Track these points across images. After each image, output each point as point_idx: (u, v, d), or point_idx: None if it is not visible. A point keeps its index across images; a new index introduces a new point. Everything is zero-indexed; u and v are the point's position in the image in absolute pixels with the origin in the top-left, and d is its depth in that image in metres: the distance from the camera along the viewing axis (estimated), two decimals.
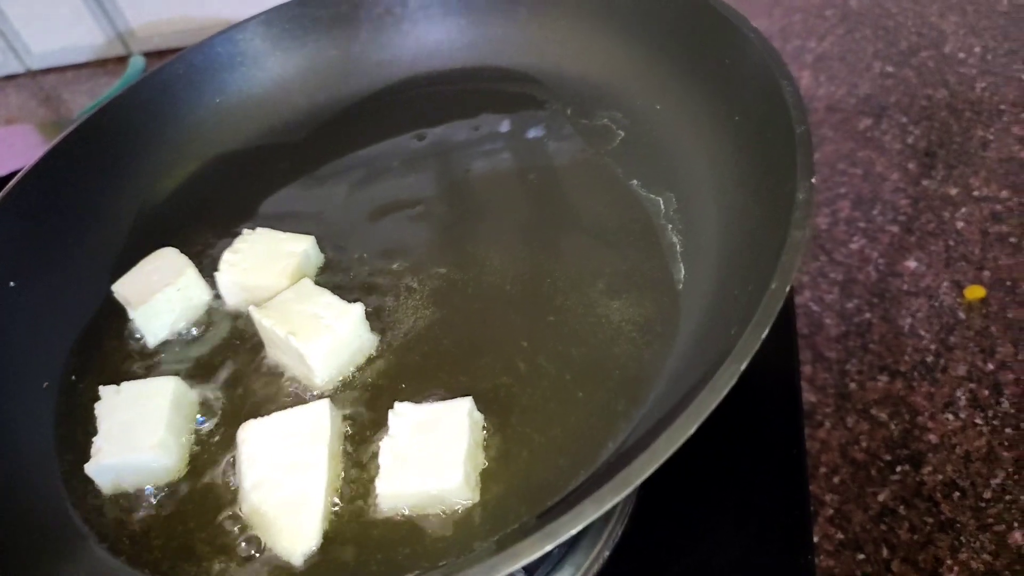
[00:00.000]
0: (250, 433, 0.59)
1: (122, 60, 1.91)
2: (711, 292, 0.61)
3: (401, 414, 0.57)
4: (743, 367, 0.45)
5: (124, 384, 0.64)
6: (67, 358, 0.71)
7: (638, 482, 0.42)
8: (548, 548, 0.41)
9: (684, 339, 0.60)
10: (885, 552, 0.81)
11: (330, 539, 0.55)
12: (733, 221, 0.63)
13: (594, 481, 0.53)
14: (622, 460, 0.47)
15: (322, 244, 0.74)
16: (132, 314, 0.71)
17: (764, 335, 0.46)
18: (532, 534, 0.42)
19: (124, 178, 0.82)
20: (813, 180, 0.54)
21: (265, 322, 0.64)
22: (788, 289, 0.48)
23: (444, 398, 0.61)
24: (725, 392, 0.44)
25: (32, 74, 1.99)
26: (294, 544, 0.54)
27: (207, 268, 0.73)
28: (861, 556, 0.81)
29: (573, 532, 0.42)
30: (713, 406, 0.44)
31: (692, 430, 0.43)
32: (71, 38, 1.89)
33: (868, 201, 1.13)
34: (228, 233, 0.77)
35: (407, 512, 0.55)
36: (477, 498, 0.55)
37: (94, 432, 0.62)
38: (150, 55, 1.86)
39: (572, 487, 0.54)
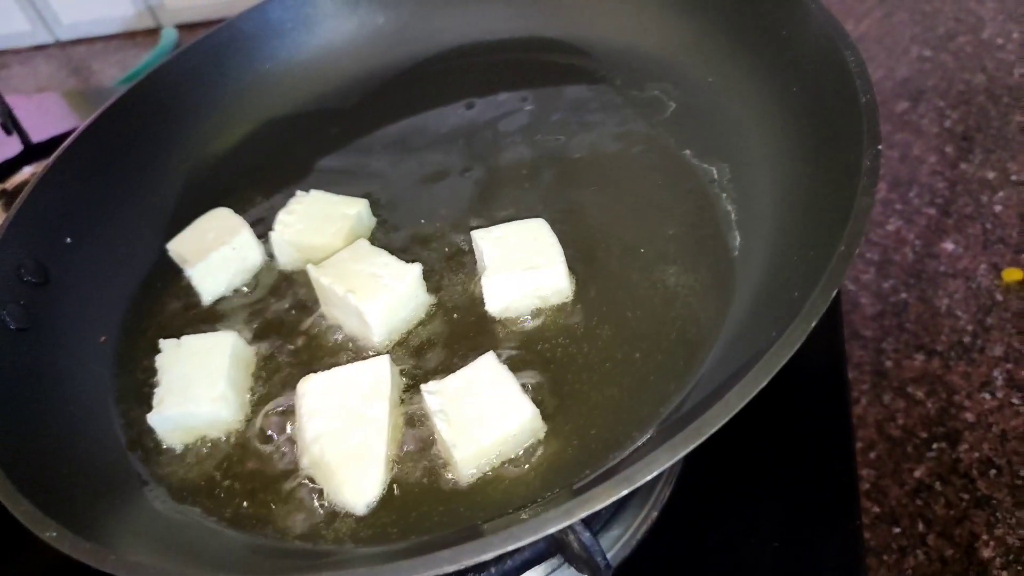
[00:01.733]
0: (310, 387, 0.60)
1: (151, 33, 1.92)
2: (767, 259, 0.61)
3: (433, 392, 0.58)
4: (813, 324, 0.46)
5: (184, 338, 0.66)
6: (124, 313, 0.73)
7: (713, 430, 0.42)
8: (623, 493, 0.42)
9: (740, 304, 0.60)
10: (921, 526, 0.82)
11: (392, 489, 0.56)
12: (790, 189, 0.63)
13: (654, 438, 0.54)
14: (688, 415, 0.48)
15: (374, 207, 0.75)
16: (188, 271, 0.72)
17: (833, 295, 0.47)
18: (606, 480, 0.42)
19: (175, 140, 0.83)
20: (879, 147, 0.54)
21: (323, 280, 0.65)
22: (855, 252, 0.49)
23: (499, 359, 0.62)
24: (796, 347, 0.45)
25: (62, 45, 2.00)
26: (357, 494, 0.55)
27: (259, 229, 0.74)
28: (897, 530, 0.82)
29: (649, 478, 0.42)
30: (785, 360, 0.44)
31: (765, 382, 0.44)
32: (101, 10, 1.90)
33: (905, 183, 1.13)
34: (280, 195, 0.78)
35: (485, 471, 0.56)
36: (546, 427, 0.57)
37: (153, 385, 0.64)
38: (180, 27, 1.87)
39: (632, 444, 0.55)
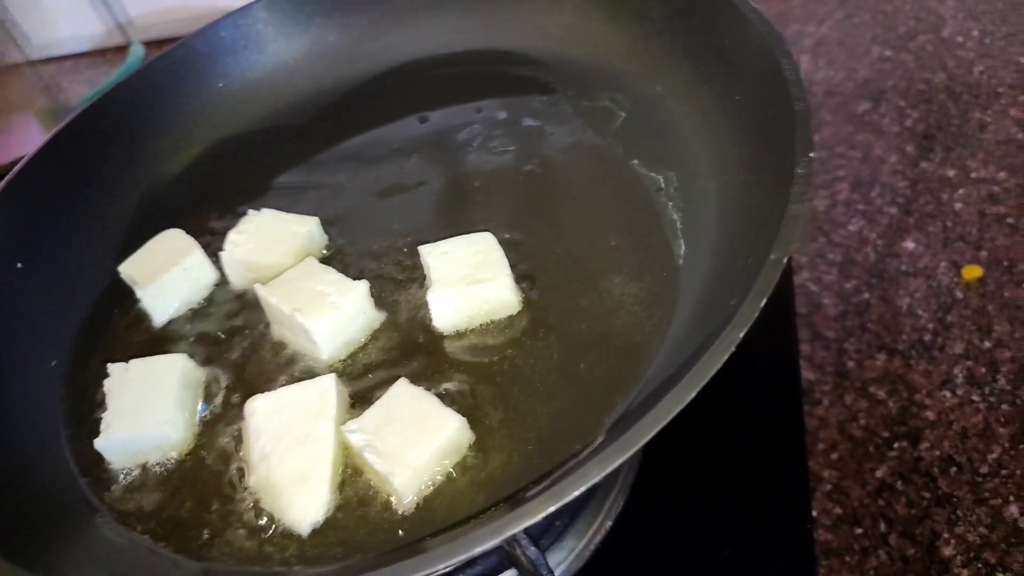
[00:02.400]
0: (257, 407, 0.60)
1: (121, 50, 1.91)
2: (711, 267, 0.62)
3: (354, 429, 0.57)
4: (743, 334, 0.46)
5: (133, 361, 0.65)
6: (75, 337, 0.72)
7: (642, 442, 0.43)
8: (552, 509, 0.42)
9: (684, 312, 0.61)
10: (883, 526, 0.82)
11: (338, 509, 0.56)
12: (733, 198, 0.64)
13: (597, 448, 0.54)
14: (625, 425, 0.48)
15: (326, 225, 0.75)
16: (139, 294, 0.72)
17: (763, 303, 0.47)
18: (539, 495, 0.43)
19: (129, 162, 0.83)
20: (812, 155, 0.54)
21: (271, 299, 0.65)
22: (786, 260, 0.49)
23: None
24: (725, 357, 0.45)
25: (32, 63, 1.99)
26: (302, 515, 0.55)
27: (212, 249, 0.74)
28: (859, 530, 0.82)
29: (578, 493, 0.42)
30: (714, 370, 0.45)
31: (694, 393, 0.44)
32: (70, 28, 1.89)
33: (867, 183, 1.14)
34: (233, 215, 0.77)
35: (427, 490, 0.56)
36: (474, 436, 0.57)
37: (103, 409, 0.63)
38: (149, 44, 1.86)
39: (574, 456, 0.55)
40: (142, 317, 0.73)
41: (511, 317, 0.64)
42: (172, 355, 0.66)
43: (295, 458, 0.57)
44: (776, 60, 0.60)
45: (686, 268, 0.64)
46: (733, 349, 0.45)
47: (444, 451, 0.55)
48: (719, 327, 0.47)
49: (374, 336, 0.66)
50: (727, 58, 0.68)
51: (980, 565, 0.78)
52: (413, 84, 0.87)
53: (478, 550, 0.43)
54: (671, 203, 0.69)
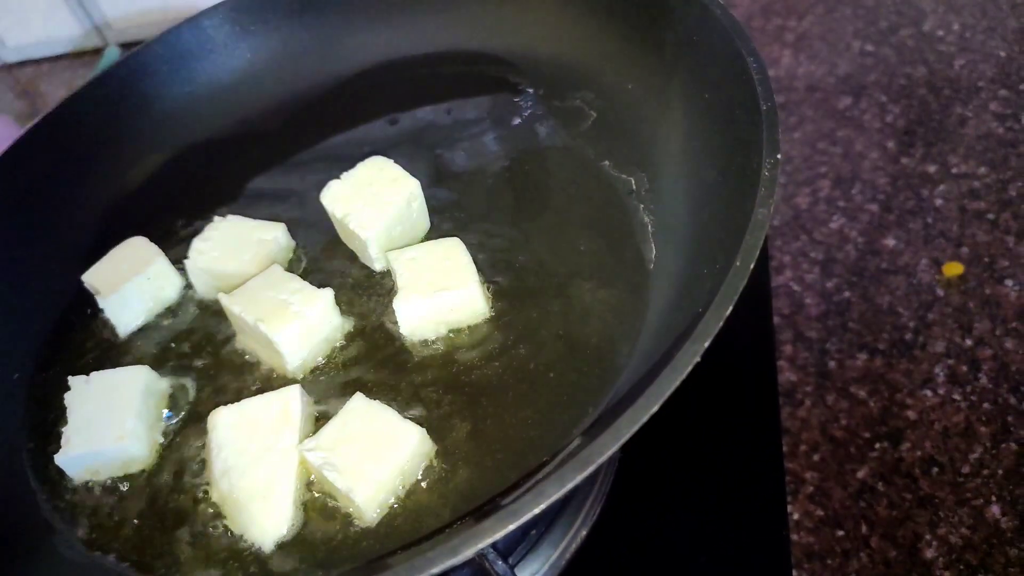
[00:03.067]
0: (220, 420, 0.59)
1: (99, 52, 1.89)
2: (681, 271, 0.60)
3: (312, 448, 0.56)
4: (705, 346, 0.44)
5: (94, 374, 0.64)
6: (38, 349, 0.71)
7: (601, 460, 0.41)
8: (510, 528, 0.41)
9: (654, 318, 0.59)
10: (864, 528, 0.81)
11: (301, 526, 0.55)
12: (702, 200, 0.62)
13: (563, 460, 0.53)
14: (587, 440, 0.47)
15: (295, 231, 0.74)
16: (102, 303, 0.70)
17: (727, 314, 0.46)
18: (494, 513, 0.41)
19: (92, 169, 0.81)
20: (778, 156, 0.53)
21: (234, 308, 0.63)
22: (752, 267, 0.48)
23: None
24: (687, 371, 0.44)
25: (8, 67, 1.97)
26: (264, 531, 0.54)
27: (178, 257, 0.73)
28: (840, 533, 0.82)
29: (536, 512, 0.41)
30: (675, 385, 0.43)
31: (654, 409, 0.43)
32: (47, 30, 1.87)
33: (848, 180, 1.13)
34: (200, 222, 0.76)
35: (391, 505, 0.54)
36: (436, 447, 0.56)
37: (65, 423, 0.62)
38: (127, 46, 1.84)
39: (544, 465, 0.54)
40: (106, 328, 0.71)
41: (479, 324, 0.63)
42: (134, 367, 0.64)
43: (257, 472, 0.56)
44: (742, 58, 0.59)
45: (657, 273, 0.62)
46: (696, 361, 0.44)
47: (406, 464, 0.54)
48: (681, 339, 0.45)
49: (341, 345, 0.65)
50: (696, 56, 0.67)
51: (962, 567, 0.77)
52: (383, 86, 0.86)
53: (443, 566, 0.41)
54: (642, 205, 0.68)
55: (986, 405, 0.88)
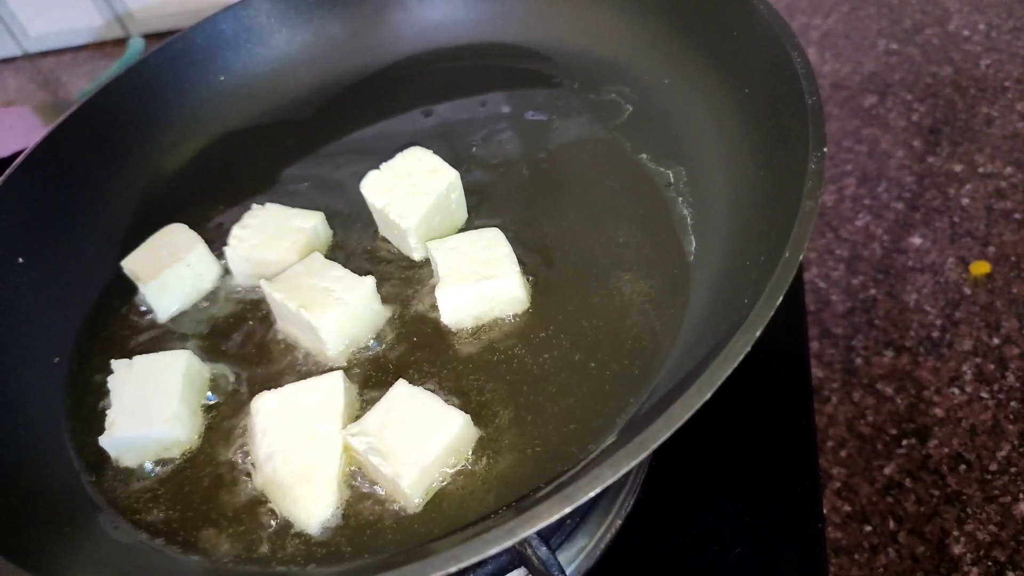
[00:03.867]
0: (263, 404, 0.59)
1: (120, 42, 1.90)
2: (722, 263, 0.61)
3: (355, 433, 0.56)
4: (757, 335, 0.45)
5: (136, 358, 0.64)
6: (78, 333, 0.71)
7: (655, 446, 0.42)
8: (566, 511, 0.41)
9: (696, 310, 0.60)
10: (892, 524, 0.82)
11: (345, 509, 0.55)
12: (743, 193, 0.63)
13: (608, 449, 0.53)
14: (637, 426, 0.48)
15: (331, 220, 0.74)
16: (142, 289, 0.71)
17: (778, 303, 0.46)
18: (550, 497, 0.42)
19: (129, 156, 0.82)
20: (824, 150, 0.54)
21: (276, 295, 0.64)
22: (800, 259, 0.48)
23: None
24: (739, 360, 0.44)
25: (30, 57, 1.98)
26: (309, 514, 0.55)
27: (216, 244, 0.73)
28: (868, 528, 0.82)
29: (591, 495, 0.42)
30: (727, 373, 0.44)
31: (707, 396, 0.43)
32: (69, 20, 1.88)
33: (873, 178, 1.13)
34: (237, 209, 0.77)
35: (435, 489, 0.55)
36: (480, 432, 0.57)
37: (106, 406, 0.63)
38: (149, 37, 1.85)
39: (586, 456, 0.54)
40: (146, 313, 0.72)
41: (520, 314, 0.64)
42: (176, 351, 0.65)
43: (301, 456, 0.57)
44: (786, 53, 0.59)
45: (697, 265, 0.63)
46: (747, 351, 0.44)
47: (450, 449, 0.54)
48: (732, 328, 0.46)
49: (381, 333, 0.65)
50: (736, 50, 0.67)
51: (990, 563, 0.78)
52: (417, 77, 0.86)
53: (490, 552, 0.42)
54: (681, 198, 0.68)
55: (1013, 403, 0.88)
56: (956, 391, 0.90)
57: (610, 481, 0.42)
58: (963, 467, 0.84)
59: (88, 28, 1.89)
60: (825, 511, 0.83)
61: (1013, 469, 0.83)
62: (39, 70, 1.92)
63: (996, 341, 0.93)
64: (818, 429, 0.89)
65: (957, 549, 0.79)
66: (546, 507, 0.42)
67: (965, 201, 1.07)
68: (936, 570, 0.78)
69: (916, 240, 1.04)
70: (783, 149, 0.59)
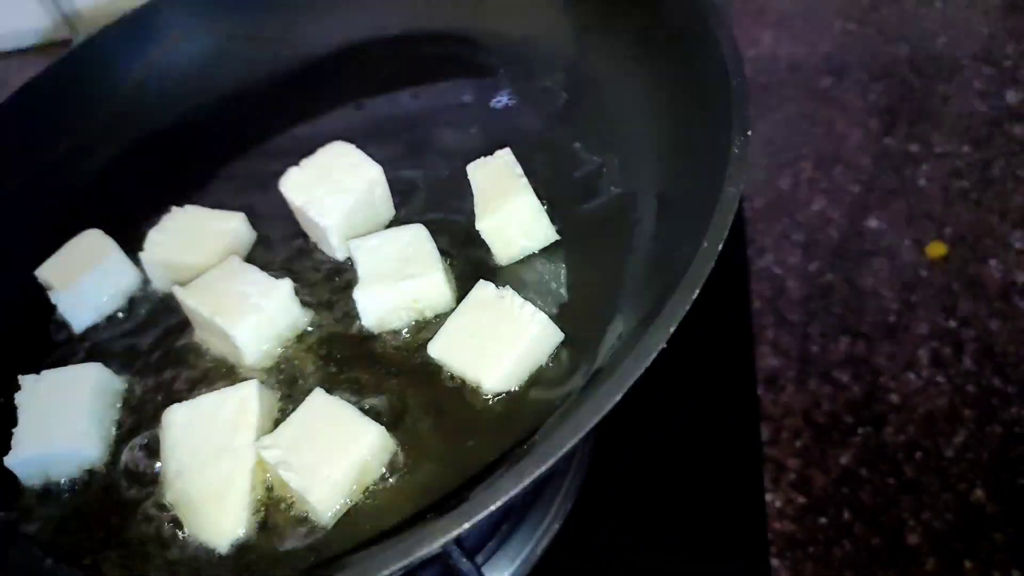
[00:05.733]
0: (174, 417, 0.57)
1: (68, 44, 1.85)
2: (652, 253, 0.59)
3: (268, 446, 0.54)
4: (668, 334, 0.42)
5: (45, 372, 0.62)
6: None
7: (558, 456, 0.39)
8: (466, 527, 0.39)
9: (627, 305, 0.57)
10: (847, 515, 0.80)
11: (258, 526, 0.53)
12: (671, 181, 0.60)
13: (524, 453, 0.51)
14: (545, 434, 0.45)
15: (255, 221, 0.71)
16: (55, 299, 0.68)
17: (692, 299, 0.44)
18: (453, 510, 0.39)
19: (44, 162, 0.79)
20: (748, 134, 0.51)
21: (189, 302, 0.61)
22: (719, 248, 0.46)
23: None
24: (648, 362, 0.42)
25: None
26: (219, 533, 0.52)
27: (135, 249, 0.70)
28: (823, 520, 0.80)
29: (494, 508, 0.39)
30: (635, 377, 0.41)
31: (618, 397, 0.41)
32: (14, 21, 1.82)
33: (830, 161, 1.11)
34: (158, 213, 0.73)
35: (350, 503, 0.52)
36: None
37: (14, 424, 0.59)
38: None
39: (510, 460, 0.52)
40: (61, 325, 0.69)
41: (445, 314, 0.61)
42: (87, 364, 0.62)
43: (212, 472, 0.54)
44: (712, 32, 0.57)
45: (629, 256, 0.60)
46: (659, 350, 0.42)
47: (363, 462, 0.52)
48: (644, 327, 0.43)
49: (300, 338, 0.63)
50: (666, 33, 0.65)
51: (947, 553, 0.76)
52: (347, 71, 0.83)
53: (404, 563, 0.39)
54: (613, 187, 0.65)
55: (970, 387, 0.86)
56: (912, 376, 0.88)
57: (512, 493, 0.40)
58: (919, 454, 0.82)
59: (35, 29, 1.84)
60: (779, 504, 0.81)
61: (969, 455, 0.81)
62: None
63: (953, 324, 0.91)
64: (773, 420, 0.87)
65: (914, 539, 0.77)
66: (445, 522, 0.39)
67: (922, 182, 1.05)
68: (893, 562, 0.76)
69: (872, 223, 1.02)
70: (711, 134, 0.56)
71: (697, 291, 0.44)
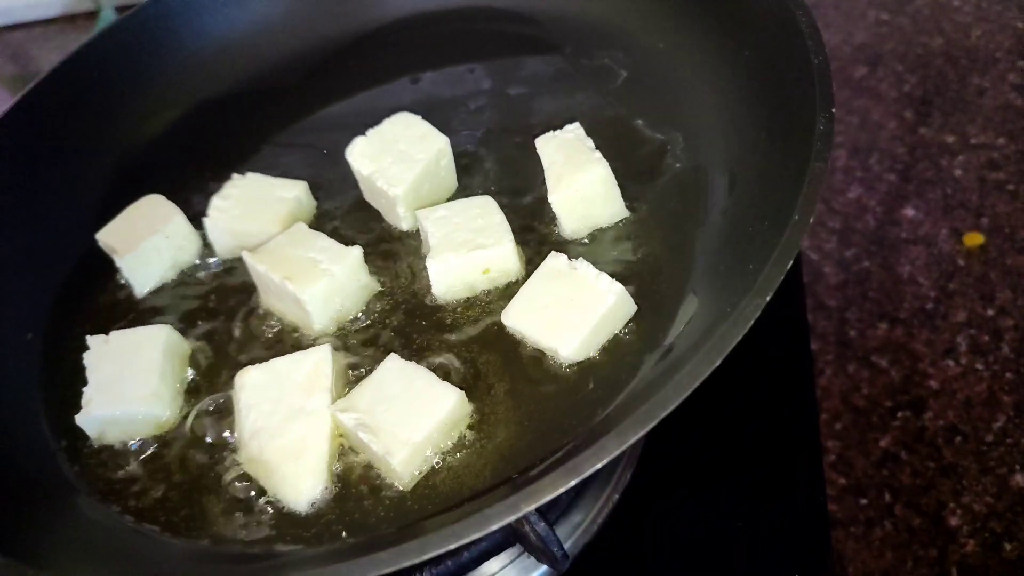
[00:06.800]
0: (248, 380, 0.57)
1: (92, 15, 1.84)
2: (724, 230, 0.59)
3: (344, 409, 0.54)
4: (767, 299, 0.43)
5: (113, 333, 0.62)
6: (51, 309, 0.68)
7: (665, 413, 0.40)
8: (571, 484, 0.40)
9: (700, 278, 0.58)
10: (888, 497, 0.81)
11: (335, 487, 0.53)
12: (743, 158, 0.61)
13: (610, 419, 0.51)
14: (643, 395, 0.46)
15: (315, 190, 0.71)
16: (119, 262, 0.68)
17: (788, 267, 0.45)
18: (554, 470, 0.40)
19: (102, 126, 0.78)
20: (833, 111, 0.52)
21: (259, 267, 0.61)
22: (810, 221, 0.47)
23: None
24: (750, 324, 0.42)
25: None
26: (298, 492, 0.53)
27: (196, 215, 0.70)
28: (864, 501, 0.81)
29: (597, 467, 0.40)
30: (737, 339, 0.42)
31: (718, 363, 0.42)
32: None
33: (865, 150, 1.12)
34: (216, 180, 0.73)
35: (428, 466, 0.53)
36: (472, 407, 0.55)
37: (82, 383, 0.60)
38: (122, 9, 1.79)
39: (587, 428, 0.52)
40: (123, 287, 0.69)
41: (514, 283, 0.61)
42: (155, 326, 0.62)
43: (288, 433, 0.54)
44: (791, 12, 0.57)
45: (699, 232, 0.61)
46: (757, 316, 0.43)
47: (443, 426, 0.52)
48: (740, 294, 0.44)
49: (369, 305, 0.63)
50: (735, 12, 0.65)
51: (987, 535, 0.77)
52: (404, 43, 0.83)
53: (491, 528, 0.40)
54: (679, 164, 0.66)
55: (1008, 375, 0.87)
56: (951, 363, 0.89)
57: (616, 453, 0.40)
58: (959, 439, 0.84)
59: (59, 1, 1.84)
60: None
61: (1009, 440, 0.82)
62: (7, 44, 1.86)
63: (990, 312, 0.92)
64: None
65: (954, 521, 0.79)
66: (549, 480, 0.40)
67: (958, 172, 1.06)
68: (933, 542, 0.78)
69: (909, 212, 1.03)
70: (786, 112, 0.57)
71: (791, 261, 0.45)
